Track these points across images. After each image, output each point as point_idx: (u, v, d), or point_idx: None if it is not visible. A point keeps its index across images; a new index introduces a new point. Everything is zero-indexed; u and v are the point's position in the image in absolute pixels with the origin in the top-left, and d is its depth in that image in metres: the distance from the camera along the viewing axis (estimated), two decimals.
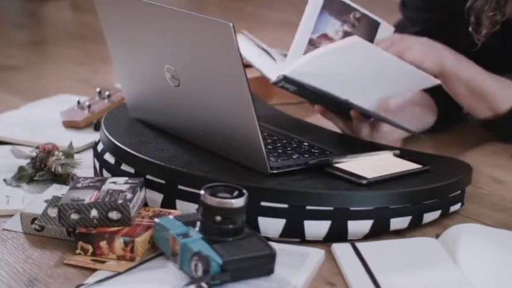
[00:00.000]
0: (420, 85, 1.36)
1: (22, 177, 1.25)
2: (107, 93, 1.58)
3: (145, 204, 1.12)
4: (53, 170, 1.25)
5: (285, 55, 1.31)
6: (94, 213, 1.03)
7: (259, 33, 1.53)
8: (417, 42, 1.37)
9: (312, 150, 1.19)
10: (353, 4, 1.32)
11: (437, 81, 1.31)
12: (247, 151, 1.10)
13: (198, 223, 1.00)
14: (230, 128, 1.11)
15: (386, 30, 1.37)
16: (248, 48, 1.31)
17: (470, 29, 1.40)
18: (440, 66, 1.36)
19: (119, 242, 1.02)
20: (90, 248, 1.03)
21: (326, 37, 1.28)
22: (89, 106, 1.53)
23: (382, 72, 1.27)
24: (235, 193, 0.99)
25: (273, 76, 1.21)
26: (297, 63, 1.22)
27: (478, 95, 1.40)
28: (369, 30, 1.34)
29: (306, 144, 1.21)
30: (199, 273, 0.93)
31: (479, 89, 1.39)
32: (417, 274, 1.01)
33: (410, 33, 1.59)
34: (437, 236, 1.11)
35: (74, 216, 1.03)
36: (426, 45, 1.37)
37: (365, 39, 1.31)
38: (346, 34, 1.30)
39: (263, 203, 1.07)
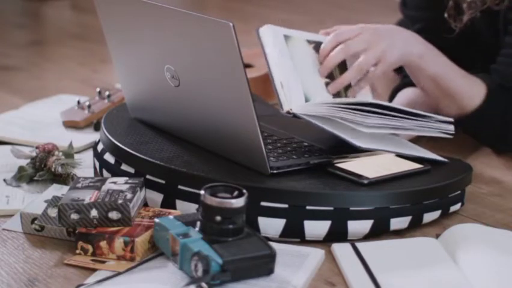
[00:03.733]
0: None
1: (22, 177, 1.25)
2: (107, 93, 1.58)
3: (145, 204, 1.12)
4: (53, 170, 1.25)
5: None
6: (94, 213, 1.03)
7: None
8: (370, 29, 1.28)
9: (312, 150, 1.19)
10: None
11: (451, 127, 1.25)
12: (247, 151, 1.10)
13: (198, 223, 1.00)
14: (230, 128, 1.11)
15: None
16: (276, 50, 1.27)
17: (446, 15, 1.38)
18: (402, 56, 1.29)
19: (119, 242, 1.02)
20: (90, 248, 1.03)
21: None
22: (89, 106, 1.53)
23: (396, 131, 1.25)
24: (235, 193, 0.99)
25: (286, 107, 1.21)
26: (310, 106, 1.19)
27: (444, 92, 1.35)
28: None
29: (306, 144, 1.21)
30: (199, 273, 0.93)
31: (445, 85, 1.34)
32: (417, 274, 1.01)
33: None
34: (437, 236, 1.11)
35: (74, 216, 1.03)
36: (385, 33, 1.29)
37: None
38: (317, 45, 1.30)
39: (263, 203, 1.07)
